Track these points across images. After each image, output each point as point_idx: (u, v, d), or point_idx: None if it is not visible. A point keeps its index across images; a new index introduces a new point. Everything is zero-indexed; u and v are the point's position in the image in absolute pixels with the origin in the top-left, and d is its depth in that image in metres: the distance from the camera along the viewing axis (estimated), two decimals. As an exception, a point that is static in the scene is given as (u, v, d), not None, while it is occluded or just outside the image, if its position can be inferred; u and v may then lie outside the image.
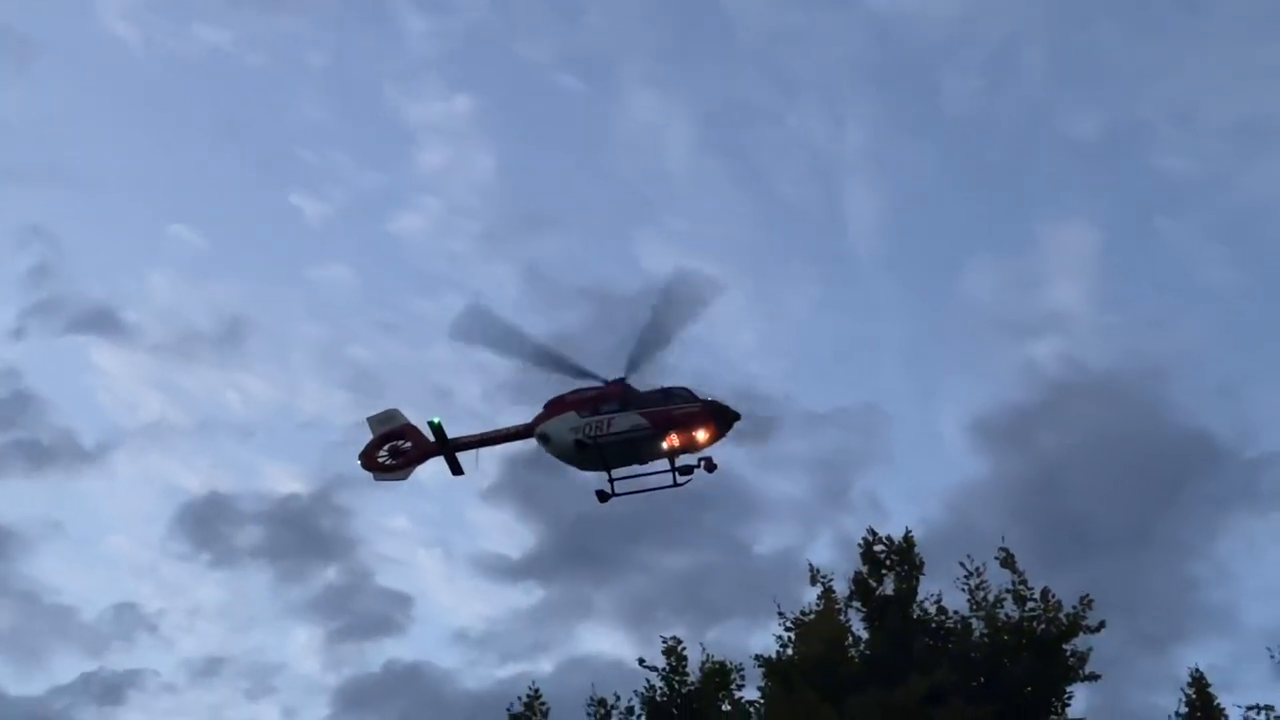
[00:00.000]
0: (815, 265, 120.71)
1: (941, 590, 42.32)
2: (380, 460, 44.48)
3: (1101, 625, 40.88)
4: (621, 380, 41.31)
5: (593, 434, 40.71)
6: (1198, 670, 41.38)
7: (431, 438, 43.07)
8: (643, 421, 40.73)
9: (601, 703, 42.34)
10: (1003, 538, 42.01)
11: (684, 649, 42.59)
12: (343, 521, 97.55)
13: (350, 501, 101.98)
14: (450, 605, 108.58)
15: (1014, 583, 41.53)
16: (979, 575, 41.96)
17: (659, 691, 42.19)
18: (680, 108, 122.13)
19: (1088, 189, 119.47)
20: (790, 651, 41.19)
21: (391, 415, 45.46)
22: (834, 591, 42.43)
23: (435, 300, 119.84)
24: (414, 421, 45.33)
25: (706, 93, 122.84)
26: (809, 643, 40.26)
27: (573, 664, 70.85)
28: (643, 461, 41.39)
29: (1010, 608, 41.41)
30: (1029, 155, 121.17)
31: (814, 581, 42.67)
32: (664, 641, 42.88)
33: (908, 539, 42.58)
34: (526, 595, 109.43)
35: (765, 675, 40.71)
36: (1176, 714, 40.81)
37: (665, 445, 40.74)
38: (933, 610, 42.12)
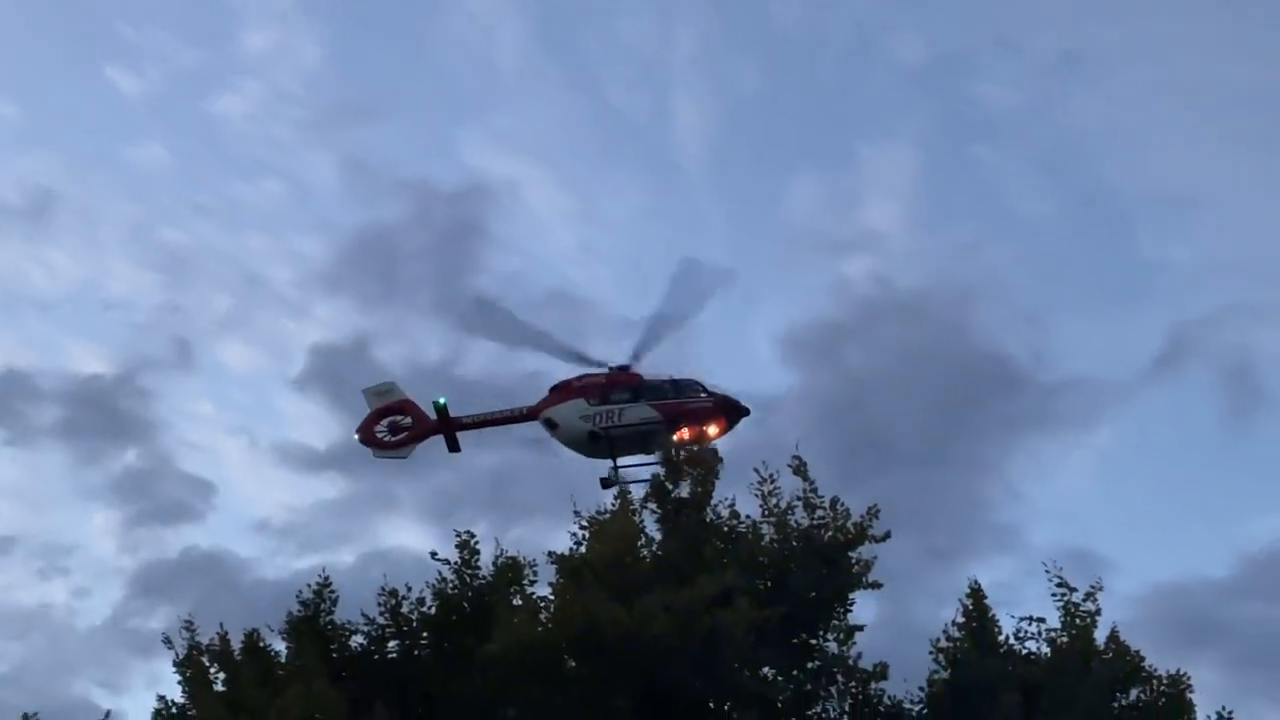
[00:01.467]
0: (640, 172, 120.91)
1: (735, 496, 42.96)
2: (379, 436, 43.68)
3: (887, 535, 41.90)
4: (627, 367, 41.12)
5: (603, 424, 40.62)
6: (976, 582, 42.63)
7: (433, 416, 42.25)
8: (654, 414, 41.06)
9: (392, 593, 42.19)
10: (795, 445, 42.76)
11: (477, 543, 42.60)
12: (145, 404, 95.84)
13: (154, 384, 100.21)
14: (252, 494, 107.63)
15: (805, 491, 42.30)
16: (772, 482, 42.62)
17: (450, 584, 42.20)
18: (513, 5, 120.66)
19: (911, 112, 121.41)
20: (584, 550, 41.48)
21: (389, 389, 44.82)
22: (630, 493, 42.74)
23: (253, 185, 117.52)
24: (412, 396, 44.40)
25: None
26: (602, 542, 40.55)
27: (374, 557, 70.68)
28: (649, 452, 41.55)
29: (800, 515, 42.22)
30: (855, 75, 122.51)
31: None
32: (457, 535, 42.91)
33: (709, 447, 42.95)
34: (331, 487, 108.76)
35: (557, 572, 40.96)
36: (953, 623, 42.05)
37: (675, 438, 40.76)
38: (726, 515, 42.73)
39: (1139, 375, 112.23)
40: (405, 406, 44.03)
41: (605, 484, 41.62)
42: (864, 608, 42.35)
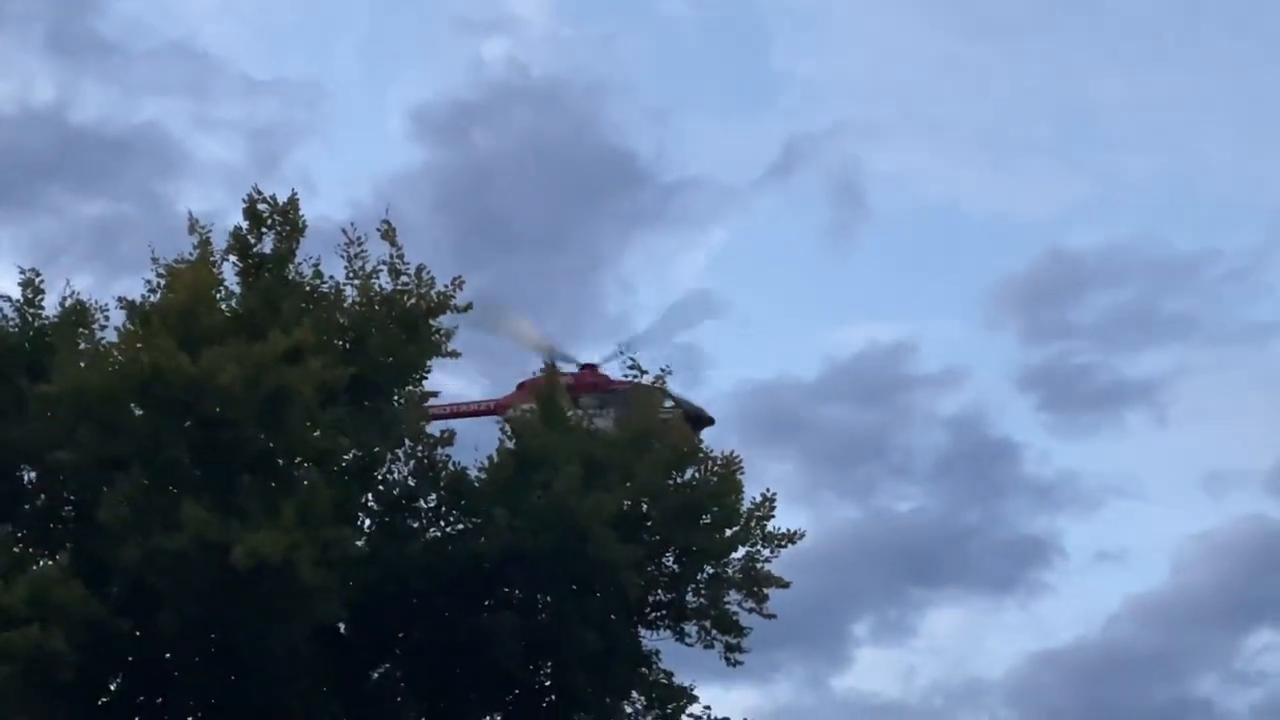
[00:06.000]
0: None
1: (321, 256, 42.39)
2: None
3: (469, 307, 42.34)
4: (595, 366, 39.32)
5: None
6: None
7: None
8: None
9: (-54, 329, 40.25)
10: (386, 209, 42.45)
11: (42, 283, 40.92)
12: None
13: None
14: None
15: (392, 256, 42.12)
16: (359, 245, 42.23)
17: (10, 323, 40.51)
18: None
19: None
20: (156, 297, 40.38)
21: None
22: (211, 243, 41.48)
23: None
24: None
25: None
26: (176, 290, 39.44)
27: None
28: None
29: (385, 280, 42.09)
30: None
31: (192, 231, 41.49)
32: (21, 273, 41.10)
33: (292, 200, 41.91)
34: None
35: (126, 318, 39.85)
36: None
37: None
38: (309, 274, 42.15)
39: (754, 182, 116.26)
40: None
41: None
42: (453, 379, 42.87)
